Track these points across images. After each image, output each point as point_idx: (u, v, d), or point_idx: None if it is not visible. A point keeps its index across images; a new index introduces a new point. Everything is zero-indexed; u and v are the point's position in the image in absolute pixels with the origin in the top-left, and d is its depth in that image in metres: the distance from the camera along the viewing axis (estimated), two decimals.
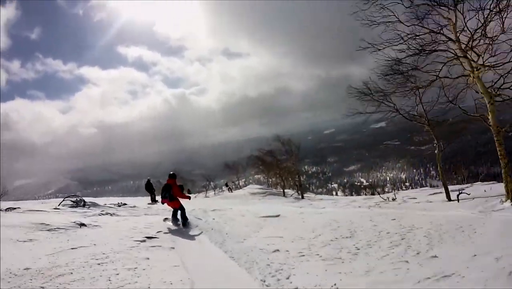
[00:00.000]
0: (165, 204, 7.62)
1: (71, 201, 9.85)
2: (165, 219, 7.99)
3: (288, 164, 27.77)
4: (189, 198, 8.06)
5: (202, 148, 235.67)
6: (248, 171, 39.62)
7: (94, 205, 10.01)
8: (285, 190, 26.66)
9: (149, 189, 16.45)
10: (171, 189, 7.28)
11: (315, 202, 18.80)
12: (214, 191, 29.22)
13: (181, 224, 7.36)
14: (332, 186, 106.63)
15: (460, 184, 21.04)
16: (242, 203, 17.76)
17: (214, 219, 8.96)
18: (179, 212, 7.48)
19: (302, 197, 24.61)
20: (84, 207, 9.60)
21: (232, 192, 27.40)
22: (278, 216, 10.25)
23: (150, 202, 15.43)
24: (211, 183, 30.59)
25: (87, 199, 14.63)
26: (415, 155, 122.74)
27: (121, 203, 11.49)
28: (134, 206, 11.42)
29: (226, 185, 33.86)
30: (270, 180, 35.98)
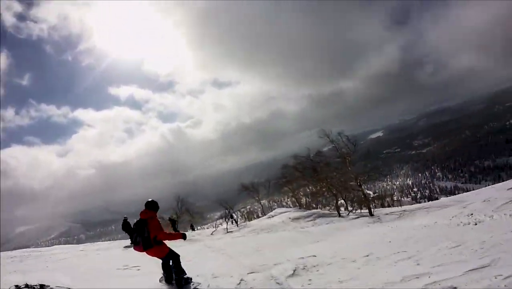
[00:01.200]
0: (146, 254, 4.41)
1: None
2: (161, 280, 4.78)
3: (336, 172, 19.58)
4: (183, 236, 4.59)
5: (203, 179, 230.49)
6: (274, 190, 31.08)
7: None
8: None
9: (127, 229, 13.73)
10: (146, 226, 4.27)
11: (407, 221, 10.44)
12: (236, 222, 20.42)
13: (175, 282, 4.47)
14: (340, 201, 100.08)
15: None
16: (309, 239, 9.36)
17: None
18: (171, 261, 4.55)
19: (371, 214, 16.40)
20: None
21: (237, 224, 19.89)
22: None
23: (130, 244, 12.76)
24: (230, 211, 21.77)
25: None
26: (418, 159, 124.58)
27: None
28: None
29: (231, 216, 26.82)
30: (305, 198, 27.63)
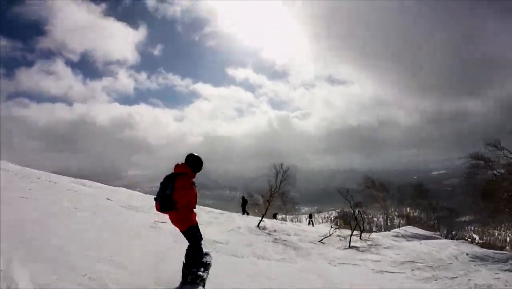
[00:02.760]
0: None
1: None
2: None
3: None
4: (193, 223, 3.51)
5: (295, 171, 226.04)
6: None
7: None
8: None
9: None
10: (172, 183, 3.40)
11: None
12: (361, 231, 13.65)
13: (182, 274, 3.46)
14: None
15: None
16: None
17: None
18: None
19: None
20: None
21: (313, 226, 17.99)
22: None
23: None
24: (358, 212, 14.59)
25: None
26: None
27: None
28: None
29: (310, 216, 27.42)
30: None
